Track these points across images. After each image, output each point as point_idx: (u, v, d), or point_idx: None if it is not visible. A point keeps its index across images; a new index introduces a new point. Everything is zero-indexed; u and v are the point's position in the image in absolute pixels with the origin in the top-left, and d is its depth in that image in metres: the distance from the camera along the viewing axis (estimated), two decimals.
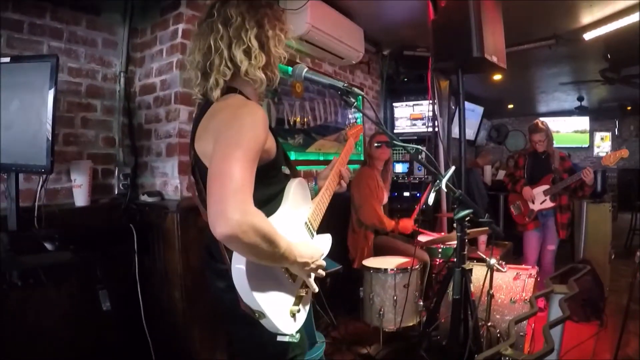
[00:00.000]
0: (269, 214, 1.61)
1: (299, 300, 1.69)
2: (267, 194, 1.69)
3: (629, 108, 11.00)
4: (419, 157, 1.93)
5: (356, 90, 1.84)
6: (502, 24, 3.42)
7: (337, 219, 4.06)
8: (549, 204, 4.60)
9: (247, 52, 1.65)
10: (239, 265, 1.48)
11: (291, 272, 1.67)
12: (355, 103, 1.85)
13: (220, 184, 1.37)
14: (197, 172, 1.68)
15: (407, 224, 4.18)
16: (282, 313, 1.59)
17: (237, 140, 1.44)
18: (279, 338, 1.58)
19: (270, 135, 1.65)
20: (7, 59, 2.31)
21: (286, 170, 1.89)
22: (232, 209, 1.32)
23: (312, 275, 1.74)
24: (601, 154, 11.61)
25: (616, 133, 12.52)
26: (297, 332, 1.62)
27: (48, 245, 2.38)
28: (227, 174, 1.38)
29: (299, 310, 1.66)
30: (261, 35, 1.68)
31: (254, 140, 1.48)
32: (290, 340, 1.59)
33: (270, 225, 1.45)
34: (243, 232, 1.33)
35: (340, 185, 2.20)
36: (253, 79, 1.67)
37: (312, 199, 1.99)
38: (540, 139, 4.69)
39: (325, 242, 2.00)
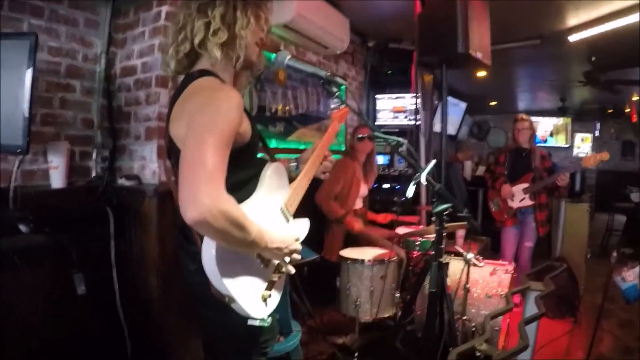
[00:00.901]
0: (242, 198, 1.62)
1: (271, 285, 1.69)
2: (242, 178, 1.68)
3: (610, 111, 11.16)
4: (400, 149, 1.93)
5: (339, 79, 1.83)
6: (489, 22, 3.43)
7: (314, 207, 4.04)
8: (528, 202, 4.64)
9: (207, 26, 1.65)
10: (209, 249, 1.48)
11: (263, 257, 1.67)
12: (338, 93, 1.83)
13: (192, 170, 1.39)
14: (172, 155, 1.67)
15: (353, 222, 4.17)
16: (253, 298, 1.59)
17: (211, 125, 1.45)
18: (250, 322, 1.58)
19: (245, 118, 1.65)
20: None
21: (264, 155, 1.88)
22: (202, 195, 1.35)
23: (288, 259, 1.73)
24: (581, 155, 11.77)
25: (596, 135, 12.68)
26: (268, 317, 1.62)
27: (22, 227, 2.36)
28: (199, 160, 1.39)
29: (270, 295, 1.66)
30: (226, 14, 1.66)
31: (227, 125, 1.48)
32: (261, 324, 1.59)
33: (241, 211, 1.47)
34: (213, 217, 1.35)
35: (324, 168, 2.16)
36: (209, 53, 1.66)
37: (290, 182, 1.97)
38: (524, 127, 4.73)
39: (301, 226, 1.99)
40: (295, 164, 2.14)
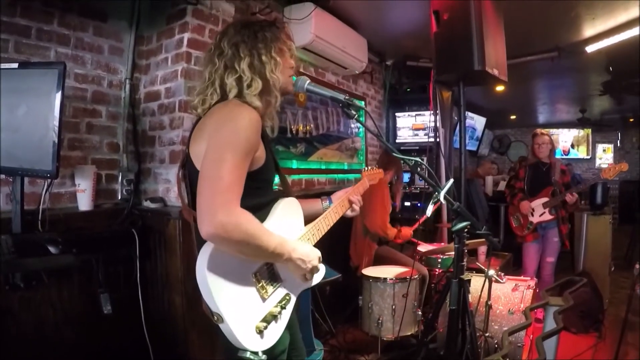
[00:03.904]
0: None
1: (271, 317, 1.64)
2: (251, 204, 1.64)
3: (631, 120, 11.03)
4: (419, 169, 1.95)
5: (357, 103, 1.86)
6: (504, 37, 3.45)
7: (338, 227, 4.07)
8: (548, 216, 4.61)
9: (239, 80, 1.69)
10: (202, 260, 1.48)
11: (264, 285, 1.66)
12: (357, 115, 1.86)
13: (208, 185, 1.44)
14: (187, 170, 1.71)
15: (408, 232, 4.21)
16: (246, 325, 1.55)
17: (229, 141, 1.50)
18: (240, 354, 1.54)
19: (261, 143, 1.68)
20: (16, 65, 2.34)
21: (277, 186, 1.92)
22: (217, 210, 1.39)
23: (310, 276, 1.77)
24: (603, 166, 11.62)
25: (618, 145, 12.52)
26: (263, 353, 1.57)
27: (51, 248, 2.40)
28: (216, 176, 1.44)
29: (266, 327, 1.60)
30: (253, 62, 1.70)
31: (245, 142, 1.52)
32: (253, 358, 1.54)
33: (258, 224, 1.50)
34: (226, 232, 1.39)
35: (352, 209, 2.21)
36: (250, 104, 1.66)
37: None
38: (544, 142, 4.73)
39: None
40: (328, 202, 2.18)
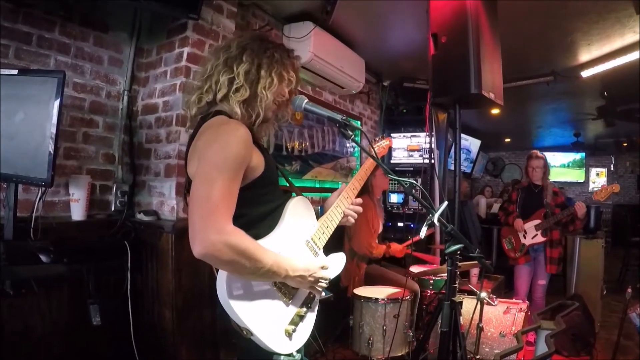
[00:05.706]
0: (263, 232, 1.66)
1: (298, 319, 1.70)
2: (262, 211, 1.70)
3: (624, 144, 11.12)
4: (413, 191, 1.96)
5: (353, 124, 1.87)
6: (501, 61, 3.48)
7: (327, 247, 4.07)
8: (540, 238, 4.62)
9: (231, 82, 1.70)
10: (221, 281, 1.51)
11: (285, 290, 1.69)
12: (353, 136, 1.88)
13: (198, 205, 1.45)
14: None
15: (398, 247, 4.22)
16: (274, 332, 1.59)
17: (216, 160, 1.50)
18: (275, 358, 1.58)
19: (257, 152, 1.69)
20: (15, 71, 2.34)
21: (284, 187, 1.93)
22: (207, 229, 1.41)
23: (318, 287, 1.77)
24: (596, 190, 11.67)
25: (612, 169, 12.62)
26: (297, 352, 1.63)
27: (42, 257, 2.39)
28: (204, 196, 1.45)
29: (294, 330, 1.65)
30: (250, 72, 1.71)
31: (232, 159, 1.52)
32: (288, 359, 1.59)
33: (250, 242, 1.51)
34: (218, 251, 1.40)
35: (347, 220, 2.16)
36: (230, 107, 1.69)
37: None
38: (538, 165, 4.76)
39: (336, 260, 2.00)
40: (319, 207, 2.15)
